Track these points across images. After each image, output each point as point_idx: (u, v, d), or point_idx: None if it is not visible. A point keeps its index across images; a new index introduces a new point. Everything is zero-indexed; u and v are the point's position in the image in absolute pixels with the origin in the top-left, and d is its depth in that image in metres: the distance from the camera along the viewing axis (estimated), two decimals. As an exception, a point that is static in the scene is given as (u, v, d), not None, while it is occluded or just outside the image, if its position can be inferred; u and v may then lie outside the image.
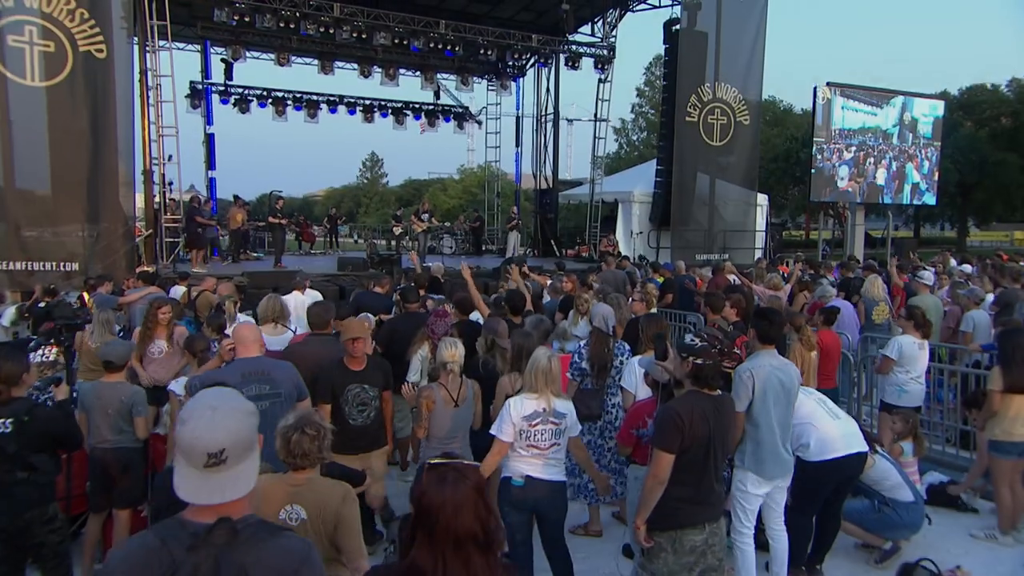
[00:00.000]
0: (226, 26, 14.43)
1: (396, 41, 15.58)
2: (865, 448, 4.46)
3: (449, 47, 16.19)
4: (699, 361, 3.14)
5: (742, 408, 4.02)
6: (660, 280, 11.01)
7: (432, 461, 1.85)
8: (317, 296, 9.10)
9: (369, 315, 6.60)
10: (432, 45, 15.96)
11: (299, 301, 8.64)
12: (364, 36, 15.12)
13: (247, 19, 13.95)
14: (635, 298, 6.91)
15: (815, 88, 19.50)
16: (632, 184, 19.04)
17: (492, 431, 3.87)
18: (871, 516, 4.82)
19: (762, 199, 19.75)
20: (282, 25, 14.22)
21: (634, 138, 47.94)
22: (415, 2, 17.86)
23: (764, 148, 41.87)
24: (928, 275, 8.23)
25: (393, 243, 21.31)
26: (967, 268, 10.76)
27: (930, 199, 23.25)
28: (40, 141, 11.69)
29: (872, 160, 20.91)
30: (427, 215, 18.32)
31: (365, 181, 77.38)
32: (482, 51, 16.62)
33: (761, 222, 19.41)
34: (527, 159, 22.31)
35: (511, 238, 18.80)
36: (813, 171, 19.83)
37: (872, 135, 21.09)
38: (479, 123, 23.66)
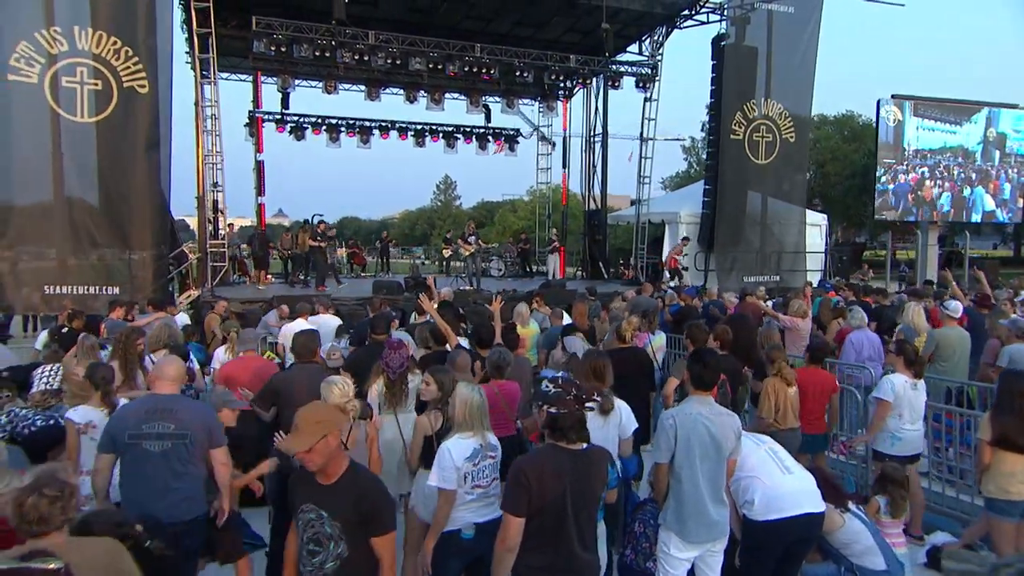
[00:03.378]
0: (267, 56, 14.93)
1: (431, 66, 15.71)
2: (819, 508, 3.94)
3: (485, 70, 16.18)
4: (553, 410, 2.82)
5: (663, 460, 3.64)
6: (681, 304, 10.49)
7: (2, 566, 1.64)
8: (325, 321, 9.19)
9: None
10: (468, 69, 16.00)
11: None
12: (399, 62, 15.34)
13: (284, 49, 14.39)
14: (610, 329, 6.57)
15: (878, 102, 18.41)
16: (679, 205, 18.45)
17: (432, 482, 3.63)
18: (834, 584, 4.29)
19: (821, 218, 18.76)
20: (318, 54, 14.61)
21: (704, 156, 46.83)
22: (458, 27, 18.09)
23: (841, 164, 40.18)
24: (955, 305, 7.40)
25: (445, 265, 21.59)
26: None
27: (1016, 219, 21.48)
28: (90, 172, 12.35)
29: (936, 184, 19.49)
30: (473, 237, 18.27)
31: (439, 203, 79.06)
32: (519, 73, 16.54)
33: (820, 243, 18.39)
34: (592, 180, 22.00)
35: (551, 261, 18.52)
36: (878, 190, 18.71)
37: (952, 155, 19.70)
38: (552, 144, 23.56)
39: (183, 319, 9.11)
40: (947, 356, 7.08)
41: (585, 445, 2.90)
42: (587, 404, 2.87)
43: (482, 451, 3.63)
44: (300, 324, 8.73)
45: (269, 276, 19.03)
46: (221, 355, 6.89)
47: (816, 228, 18.34)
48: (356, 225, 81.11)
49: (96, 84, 12.19)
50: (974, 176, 19.94)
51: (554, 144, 23.24)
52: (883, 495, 4.73)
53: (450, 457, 3.55)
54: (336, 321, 9.67)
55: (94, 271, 12.49)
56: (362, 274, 21.97)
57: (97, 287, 12.40)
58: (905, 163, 18.97)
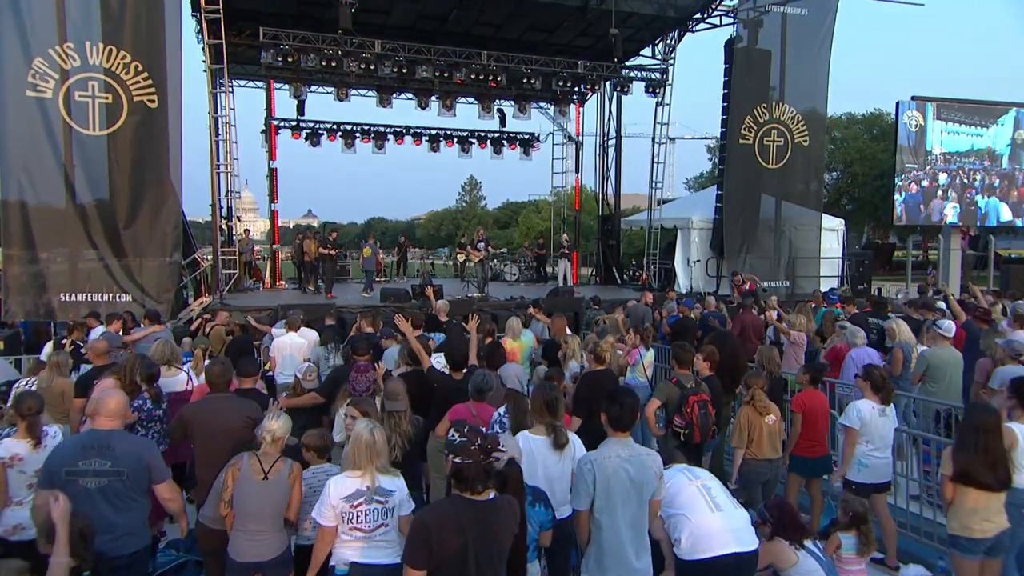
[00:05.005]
0: (276, 66, 15.11)
1: (438, 74, 15.76)
2: (748, 548, 3.84)
3: (492, 77, 16.18)
4: (457, 460, 2.80)
5: (583, 507, 3.56)
6: (680, 316, 10.33)
7: None
8: (312, 335, 9.18)
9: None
10: (475, 76, 16.01)
11: (294, 342, 8.80)
12: (406, 71, 15.41)
13: (291, 60, 14.55)
14: (588, 348, 6.49)
15: (898, 104, 17.96)
16: (691, 210, 18.24)
17: (312, 513, 3.62)
18: (785, 624, 4.19)
19: (838, 223, 18.41)
20: (324, 64, 14.75)
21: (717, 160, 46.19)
22: (469, 33, 18.11)
23: (870, 164, 39.29)
24: (948, 325, 7.18)
25: (460, 269, 21.62)
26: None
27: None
28: (102, 183, 12.68)
29: (949, 192, 18.96)
30: (483, 244, 18.26)
31: (464, 204, 79.26)
32: (526, 80, 16.51)
33: (836, 248, 18.05)
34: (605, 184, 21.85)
35: (561, 267, 18.46)
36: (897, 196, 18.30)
37: (977, 158, 19.16)
38: (579, 144, 23.44)
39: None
40: (938, 377, 6.88)
41: (492, 495, 2.87)
42: (493, 454, 2.84)
43: (366, 494, 3.50)
44: (292, 337, 8.80)
45: (282, 282, 19.33)
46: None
47: (833, 233, 18.00)
48: (383, 226, 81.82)
49: (107, 98, 12.49)
50: (996, 182, 19.34)
51: (580, 144, 23.04)
52: (851, 533, 4.57)
53: (327, 493, 3.49)
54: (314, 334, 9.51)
55: (108, 279, 12.79)
56: (376, 278, 22.07)
57: (111, 295, 12.69)
58: (928, 167, 18.51)
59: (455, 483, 2.83)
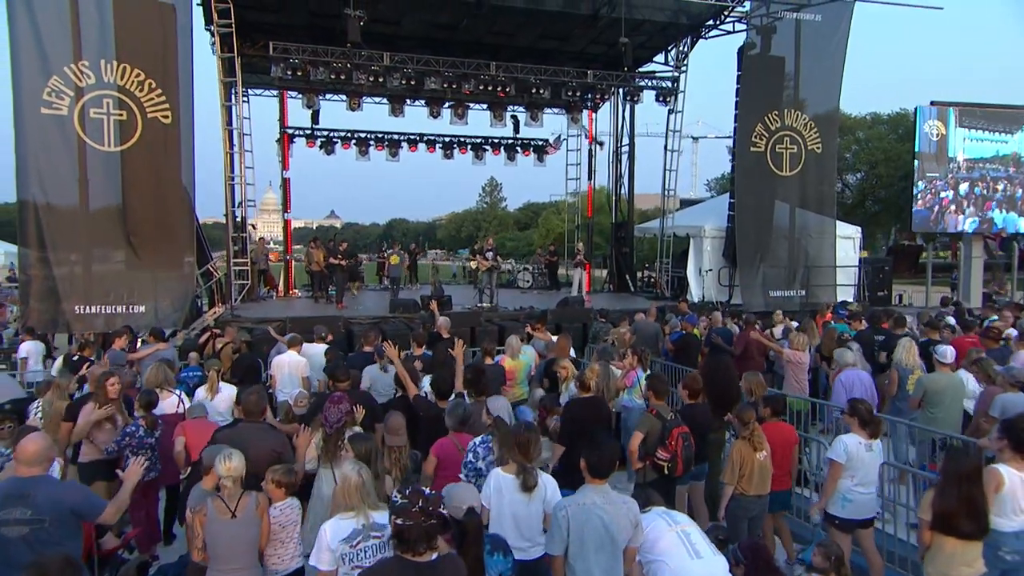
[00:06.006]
0: (285, 78, 15.29)
1: (447, 85, 15.82)
2: None
3: (501, 88, 16.19)
4: (399, 521, 2.81)
5: (558, 552, 3.60)
6: (683, 332, 10.24)
7: None
8: (314, 350, 9.21)
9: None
10: (484, 87, 16.04)
11: (292, 360, 8.86)
12: (414, 83, 15.48)
13: (300, 73, 14.72)
14: (575, 376, 6.46)
15: (916, 110, 17.60)
16: (704, 219, 18.08)
17: (311, 562, 3.67)
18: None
19: (854, 231, 18.12)
20: (334, 76, 14.89)
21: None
22: (481, 42, 18.13)
23: (895, 165, 38.64)
24: (944, 350, 7.01)
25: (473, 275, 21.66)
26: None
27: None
28: (115, 198, 12.92)
29: (967, 203, 18.56)
30: (491, 252, 18.22)
31: (485, 205, 79.47)
32: (536, 90, 16.50)
33: (852, 256, 17.76)
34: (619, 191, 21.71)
35: (576, 275, 18.40)
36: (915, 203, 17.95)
37: (1002, 164, 18.75)
38: (600, 144, 23.32)
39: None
40: (936, 403, 6.74)
41: (435, 555, 2.88)
42: (434, 516, 2.84)
43: (364, 532, 3.56)
44: (292, 355, 8.86)
45: (295, 291, 19.51)
46: (200, 394, 7.03)
47: (848, 241, 17.72)
48: (404, 227, 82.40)
49: (121, 115, 12.71)
50: (1020, 193, 18.87)
51: (602, 144, 22.81)
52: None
53: (325, 538, 3.53)
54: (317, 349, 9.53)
55: (123, 291, 13.00)
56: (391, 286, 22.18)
57: (125, 307, 12.91)
58: (949, 176, 18.16)
59: (396, 544, 2.85)
